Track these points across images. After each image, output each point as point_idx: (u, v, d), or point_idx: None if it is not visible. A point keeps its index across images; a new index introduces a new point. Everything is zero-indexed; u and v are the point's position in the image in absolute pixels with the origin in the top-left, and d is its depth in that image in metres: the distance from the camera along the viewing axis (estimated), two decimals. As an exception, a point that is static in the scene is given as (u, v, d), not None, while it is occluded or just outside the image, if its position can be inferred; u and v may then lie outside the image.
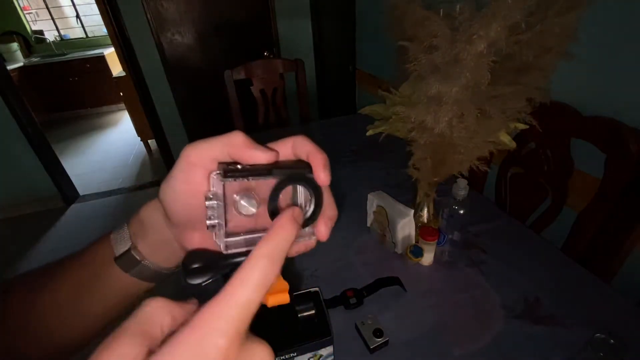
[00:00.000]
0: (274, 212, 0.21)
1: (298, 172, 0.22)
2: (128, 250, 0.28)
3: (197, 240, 0.24)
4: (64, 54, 4.22)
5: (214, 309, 0.14)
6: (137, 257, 0.28)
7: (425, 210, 0.82)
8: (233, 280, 0.15)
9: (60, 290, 0.29)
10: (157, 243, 0.28)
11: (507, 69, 0.58)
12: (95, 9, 3.37)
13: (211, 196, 0.21)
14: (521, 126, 0.63)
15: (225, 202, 0.22)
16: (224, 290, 0.15)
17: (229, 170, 0.20)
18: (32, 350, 0.29)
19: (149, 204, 0.28)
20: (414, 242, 0.79)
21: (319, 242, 0.24)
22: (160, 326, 0.15)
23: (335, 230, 0.24)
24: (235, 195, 0.22)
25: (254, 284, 0.15)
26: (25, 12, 4.18)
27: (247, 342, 0.15)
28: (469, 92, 0.55)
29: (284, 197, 0.22)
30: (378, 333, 0.60)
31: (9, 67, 3.43)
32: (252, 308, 0.15)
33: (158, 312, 0.16)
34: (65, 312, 0.30)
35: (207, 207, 0.21)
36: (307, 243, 0.24)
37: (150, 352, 0.14)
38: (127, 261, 0.28)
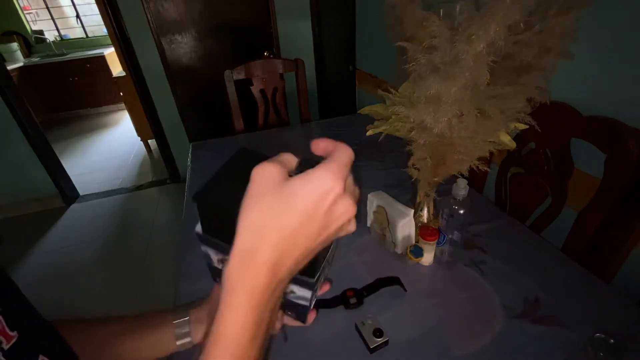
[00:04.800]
0: None
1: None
2: (189, 342, 0.45)
3: None
4: (64, 54, 4.22)
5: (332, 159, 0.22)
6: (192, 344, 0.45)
7: (425, 210, 0.82)
8: (335, 153, 0.23)
9: (116, 344, 0.43)
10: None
11: (506, 69, 0.58)
12: (95, 9, 3.38)
13: None
14: (521, 126, 0.63)
15: None
16: (330, 156, 0.22)
17: None
18: None
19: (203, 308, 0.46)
20: (414, 242, 0.79)
21: None
22: (290, 163, 0.24)
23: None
24: None
25: (342, 158, 0.22)
26: (25, 12, 4.17)
27: (345, 194, 0.22)
28: (469, 92, 0.55)
29: None
30: (378, 333, 0.60)
31: (9, 67, 3.43)
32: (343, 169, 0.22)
33: (289, 156, 0.24)
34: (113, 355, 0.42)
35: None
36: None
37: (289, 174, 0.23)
38: (185, 345, 0.45)
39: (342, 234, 0.25)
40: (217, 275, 0.37)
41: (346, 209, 0.22)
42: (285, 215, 0.21)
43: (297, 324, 0.38)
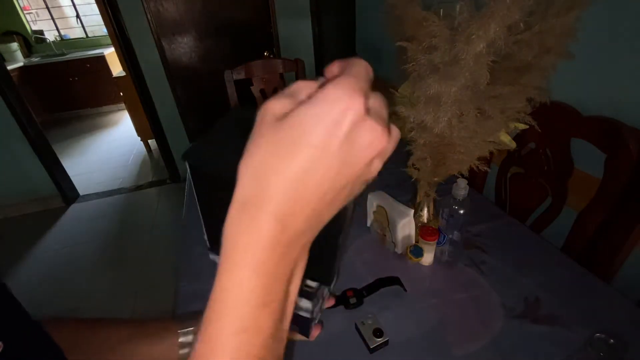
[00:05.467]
0: None
1: None
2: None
3: None
4: (64, 54, 4.22)
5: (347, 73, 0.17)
6: None
7: (425, 210, 0.82)
8: (348, 67, 0.18)
9: (116, 349, 0.41)
10: None
11: (506, 68, 0.58)
12: (95, 9, 3.37)
13: None
14: (521, 126, 0.63)
15: None
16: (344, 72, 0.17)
17: None
18: None
19: None
20: (414, 242, 0.79)
21: None
22: (304, 94, 0.18)
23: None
24: None
25: (358, 71, 0.18)
26: (25, 12, 4.17)
27: (369, 117, 0.17)
28: (468, 92, 0.55)
29: None
30: (378, 333, 0.60)
31: (9, 67, 3.43)
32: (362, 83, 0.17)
33: (303, 85, 0.19)
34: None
35: None
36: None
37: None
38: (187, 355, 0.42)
39: (370, 176, 0.19)
40: None
41: (372, 136, 0.17)
42: (291, 151, 0.16)
43: (301, 338, 0.35)
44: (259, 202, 0.17)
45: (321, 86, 0.17)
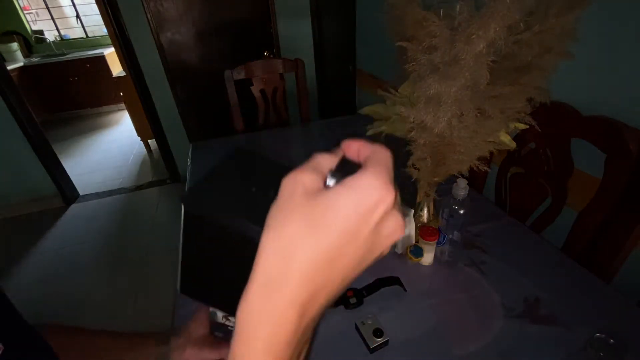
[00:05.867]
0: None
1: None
2: None
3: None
4: (64, 54, 4.21)
5: (374, 164, 0.18)
6: None
7: (425, 210, 0.82)
8: (373, 156, 0.18)
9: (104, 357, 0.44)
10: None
11: (506, 68, 0.58)
12: (95, 9, 3.37)
13: None
14: (521, 126, 0.63)
15: None
16: (372, 160, 0.18)
17: None
18: None
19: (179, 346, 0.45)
20: (414, 242, 0.79)
21: None
22: (326, 168, 0.19)
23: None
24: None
25: (387, 161, 0.18)
26: (25, 12, 4.17)
27: (395, 208, 0.18)
28: (468, 92, 0.55)
29: None
30: (378, 333, 0.60)
31: (9, 67, 3.43)
32: (390, 174, 0.18)
33: (324, 158, 0.19)
34: None
35: None
36: None
37: (324, 180, 0.18)
38: None
39: (382, 256, 0.20)
40: (218, 330, 0.36)
41: (396, 226, 0.18)
42: (322, 235, 0.16)
43: None
44: (283, 288, 0.16)
45: (341, 163, 0.19)
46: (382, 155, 0.18)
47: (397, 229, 0.18)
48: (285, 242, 0.16)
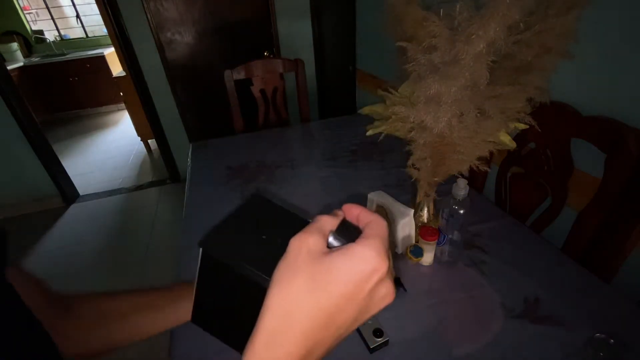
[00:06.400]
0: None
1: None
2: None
3: None
4: (64, 54, 4.22)
5: (371, 233, 0.21)
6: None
7: (425, 210, 0.82)
8: (371, 226, 0.21)
9: (129, 315, 0.43)
10: None
11: (506, 68, 0.59)
12: (95, 9, 3.38)
13: None
14: (521, 126, 0.63)
15: None
16: (370, 229, 0.21)
17: None
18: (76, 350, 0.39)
19: None
20: (414, 242, 0.79)
21: None
22: (328, 229, 0.22)
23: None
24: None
25: (383, 232, 0.21)
26: (25, 12, 4.17)
27: (388, 277, 0.20)
28: (468, 92, 0.55)
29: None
30: (378, 333, 0.60)
31: (9, 67, 3.43)
32: (385, 245, 0.20)
33: (327, 220, 0.22)
34: (128, 328, 0.43)
35: None
36: None
37: (327, 240, 0.21)
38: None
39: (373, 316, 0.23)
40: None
41: (387, 292, 0.20)
42: (322, 296, 0.18)
43: None
44: (285, 342, 0.18)
45: (342, 224, 0.22)
46: (378, 227, 0.21)
47: (388, 294, 0.21)
48: (290, 298, 0.19)
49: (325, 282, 0.19)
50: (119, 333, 0.42)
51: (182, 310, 0.44)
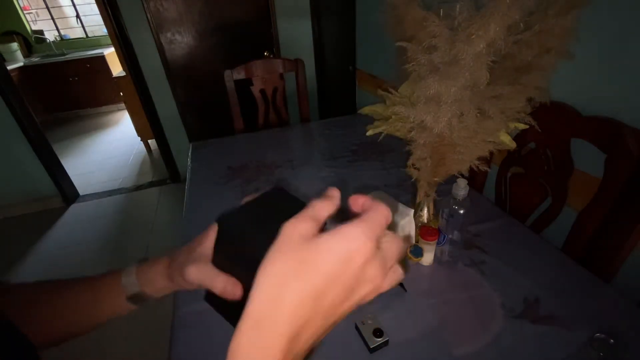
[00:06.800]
0: None
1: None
2: (138, 292, 0.39)
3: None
4: (64, 54, 4.22)
5: (369, 216, 0.21)
6: (144, 297, 0.39)
7: (425, 210, 0.82)
8: (370, 211, 0.21)
9: (67, 305, 0.40)
10: (157, 290, 0.39)
11: (506, 69, 0.59)
12: (95, 9, 3.38)
13: None
14: (521, 126, 0.63)
15: None
16: (366, 214, 0.21)
17: None
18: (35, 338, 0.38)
19: (153, 269, 0.38)
20: (414, 242, 0.79)
21: None
22: (324, 215, 0.22)
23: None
24: None
25: (378, 217, 0.21)
26: (25, 12, 4.17)
27: (376, 258, 0.20)
28: (468, 92, 0.55)
29: None
30: (378, 333, 0.60)
31: (9, 67, 3.43)
32: (376, 228, 0.21)
33: (322, 207, 0.22)
34: (69, 317, 0.40)
35: None
36: None
37: (320, 228, 0.21)
38: (135, 299, 0.39)
39: (365, 302, 0.22)
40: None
41: (374, 274, 0.20)
42: (309, 274, 0.19)
43: None
44: (274, 321, 0.18)
45: (340, 215, 0.22)
46: (375, 212, 0.21)
47: (375, 276, 0.20)
48: (277, 279, 0.19)
49: (311, 262, 0.19)
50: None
51: (114, 290, 0.39)
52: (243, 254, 0.24)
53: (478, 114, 0.58)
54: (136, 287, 0.38)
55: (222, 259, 0.29)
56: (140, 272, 0.39)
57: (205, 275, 0.30)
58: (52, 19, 4.36)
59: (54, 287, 0.41)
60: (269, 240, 0.21)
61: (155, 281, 0.38)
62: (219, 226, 0.27)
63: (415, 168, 0.71)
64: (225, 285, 0.28)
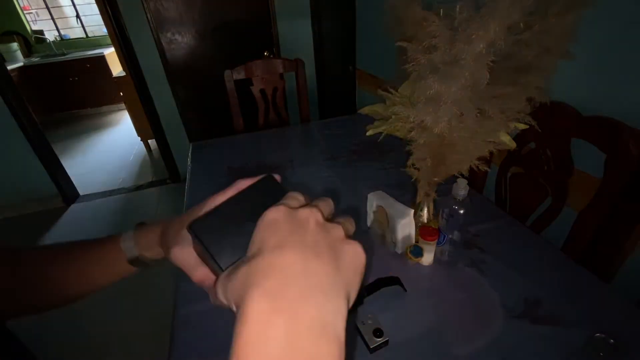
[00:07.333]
0: None
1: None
2: (138, 256, 0.41)
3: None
4: (64, 54, 4.22)
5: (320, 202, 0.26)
6: (144, 260, 0.41)
7: (425, 210, 0.82)
8: (319, 201, 0.26)
9: (69, 268, 0.43)
10: (154, 254, 0.40)
11: (506, 69, 0.58)
12: (95, 9, 3.37)
13: None
14: (521, 126, 0.63)
15: None
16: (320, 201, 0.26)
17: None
18: (37, 302, 0.41)
19: (149, 237, 0.39)
20: (414, 242, 0.78)
21: None
22: (301, 200, 0.27)
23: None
24: None
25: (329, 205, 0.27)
26: (25, 12, 4.18)
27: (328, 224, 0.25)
28: (469, 92, 0.55)
29: None
30: (378, 333, 0.60)
31: (9, 67, 3.43)
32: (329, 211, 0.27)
33: (297, 195, 0.27)
34: (72, 280, 0.43)
35: None
36: None
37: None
38: (136, 262, 0.41)
39: (337, 236, 0.25)
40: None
41: (310, 212, 0.24)
42: (255, 234, 0.23)
43: None
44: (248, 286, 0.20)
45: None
46: (321, 201, 0.26)
47: (312, 212, 0.24)
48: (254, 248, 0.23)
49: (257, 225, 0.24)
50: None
51: (113, 254, 0.41)
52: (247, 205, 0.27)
53: (478, 114, 0.58)
54: (134, 252, 0.40)
55: (201, 251, 0.29)
56: (137, 238, 0.40)
57: (187, 262, 0.31)
58: (52, 19, 4.36)
59: (62, 249, 0.44)
60: (230, 247, 0.25)
61: (151, 248, 0.39)
62: (205, 222, 0.27)
63: (415, 168, 0.71)
64: (202, 279, 0.30)
